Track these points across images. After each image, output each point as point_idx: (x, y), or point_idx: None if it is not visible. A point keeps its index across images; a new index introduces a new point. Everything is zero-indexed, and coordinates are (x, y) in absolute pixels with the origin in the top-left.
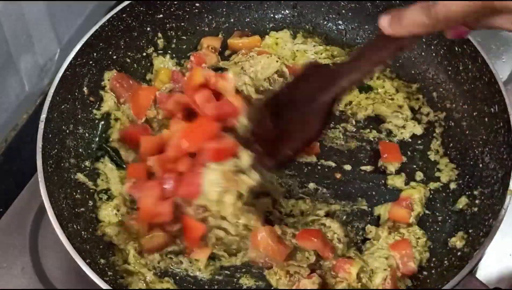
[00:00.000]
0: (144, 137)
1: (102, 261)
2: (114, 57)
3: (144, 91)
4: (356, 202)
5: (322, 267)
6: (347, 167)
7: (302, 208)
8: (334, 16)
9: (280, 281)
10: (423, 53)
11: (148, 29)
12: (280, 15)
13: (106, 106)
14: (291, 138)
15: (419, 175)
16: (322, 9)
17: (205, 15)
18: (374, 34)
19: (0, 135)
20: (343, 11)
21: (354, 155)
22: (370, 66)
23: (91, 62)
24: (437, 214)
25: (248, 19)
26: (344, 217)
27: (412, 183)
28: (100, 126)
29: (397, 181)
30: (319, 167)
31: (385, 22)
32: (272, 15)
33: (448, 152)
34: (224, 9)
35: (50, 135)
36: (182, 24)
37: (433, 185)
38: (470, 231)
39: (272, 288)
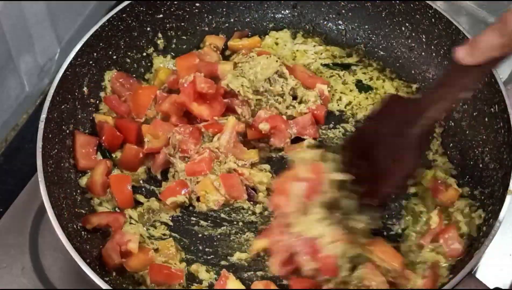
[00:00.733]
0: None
1: (102, 261)
2: (114, 57)
3: (144, 90)
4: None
5: None
6: None
7: None
8: (334, 16)
9: None
10: (423, 53)
11: (148, 29)
12: (280, 15)
13: (105, 109)
14: (389, 176)
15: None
16: (322, 9)
17: (205, 15)
18: (374, 34)
19: (0, 135)
20: (343, 11)
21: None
22: (453, 95)
23: (91, 62)
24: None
25: (248, 19)
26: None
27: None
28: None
29: None
30: None
31: (461, 53)
32: (272, 15)
33: (448, 152)
34: (224, 9)
35: (50, 135)
36: (182, 24)
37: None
38: (470, 230)
39: None
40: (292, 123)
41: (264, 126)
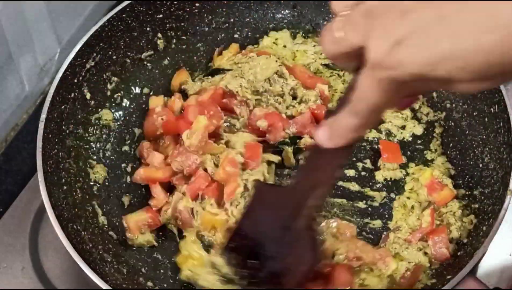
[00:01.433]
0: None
1: (102, 261)
2: (114, 57)
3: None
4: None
5: None
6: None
7: None
8: (334, 16)
9: None
10: None
11: (148, 29)
12: (280, 15)
13: (104, 115)
14: (291, 274)
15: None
16: (322, 9)
17: (205, 15)
18: None
19: (0, 135)
20: None
21: (354, 155)
22: (330, 176)
23: (91, 62)
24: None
25: (248, 19)
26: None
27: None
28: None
29: None
30: None
31: (322, 138)
32: (272, 15)
33: (448, 152)
34: (224, 9)
35: (50, 135)
36: (182, 24)
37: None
38: (470, 230)
39: None
40: (291, 122)
41: (262, 123)
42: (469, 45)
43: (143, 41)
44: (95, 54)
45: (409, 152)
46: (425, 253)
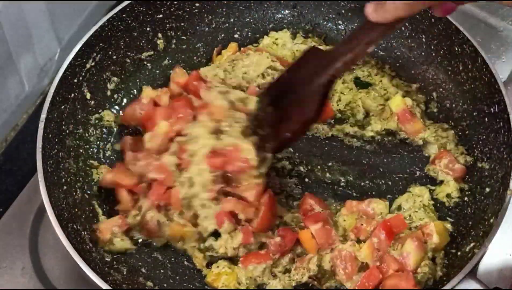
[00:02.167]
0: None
1: (102, 261)
2: (114, 57)
3: None
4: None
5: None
6: None
7: None
8: (334, 16)
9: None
10: (423, 53)
11: (148, 29)
12: (280, 15)
13: (105, 115)
14: (289, 121)
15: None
16: (322, 9)
17: (205, 15)
18: None
19: (0, 135)
20: (343, 11)
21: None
22: (361, 48)
23: (91, 62)
24: (437, 214)
25: (248, 19)
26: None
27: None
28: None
29: None
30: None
31: (370, 10)
32: (272, 15)
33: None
34: (224, 9)
35: (50, 135)
36: (182, 24)
37: (433, 185)
38: (470, 231)
39: None
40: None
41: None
42: None
43: (143, 41)
44: (95, 54)
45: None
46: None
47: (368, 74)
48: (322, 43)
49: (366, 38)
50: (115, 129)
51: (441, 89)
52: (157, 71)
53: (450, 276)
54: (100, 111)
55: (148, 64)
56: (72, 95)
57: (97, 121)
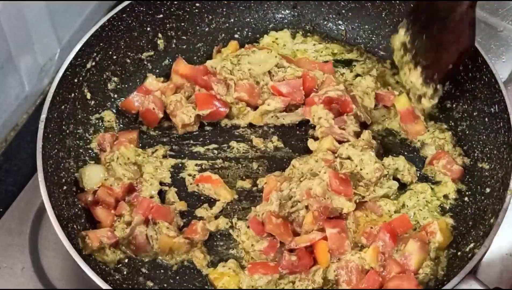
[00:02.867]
0: None
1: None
2: (114, 57)
3: None
4: None
5: None
6: None
7: None
8: (334, 16)
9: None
10: None
11: (148, 29)
12: (280, 15)
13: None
14: (447, 51)
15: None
16: (322, 9)
17: (205, 15)
18: (374, 34)
19: (0, 135)
20: (343, 11)
21: None
22: None
23: (91, 62)
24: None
25: (248, 19)
26: None
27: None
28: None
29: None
30: None
31: None
32: (272, 15)
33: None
34: (224, 9)
35: (50, 135)
36: (182, 24)
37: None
38: (470, 231)
39: None
40: (284, 83)
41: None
42: None
43: (143, 41)
44: (95, 54)
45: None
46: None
47: (368, 70)
48: (322, 41)
49: None
50: (116, 129)
51: None
52: (157, 71)
53: (450, 276)
54: (100, 111)
55: (148, 64)
56: (72, 95)
57: (97, 121)
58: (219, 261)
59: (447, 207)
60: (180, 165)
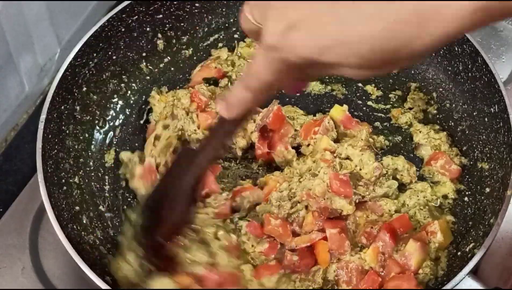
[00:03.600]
0: None
1: (102, 261)
2: (114, 57)
3: None
4: None
5: None
6: None
7: None
8: None
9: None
10: None
11: (148, 29)
12: None
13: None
14: (161, 225)
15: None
16: None
17: (205, 15)
18: None
19: (0, 135)
20: None
21: None
22: (219, 142)
23: (91, 62)
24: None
25: None
26: None
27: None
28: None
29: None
30: None
31: (220, 108)
32: None
33: (448, 152)
34: (224, 9)
35: (50, 136)
36: (182, 24)
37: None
38: (470, 231)
39: None
40: None
41: None
42: (356, 32)
43: (143, 41)
44: (95, 54)
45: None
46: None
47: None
48: None
49: (221, 133)
50: (117, 130)
51: (441, 89)
52: (157, 71)
53: (450, 276)
54: (100, 111)
55: (148, 64)
56: (72, 95)
57: (97, 122)
58: None
59: (447, 207)
60: None
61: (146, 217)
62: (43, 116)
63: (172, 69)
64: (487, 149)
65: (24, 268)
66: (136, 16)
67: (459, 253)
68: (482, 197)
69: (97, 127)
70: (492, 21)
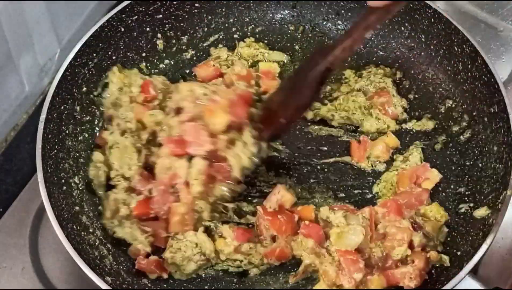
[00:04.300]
0: None
1: (102, 261)
2: (114, 57)
3: None
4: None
5: None
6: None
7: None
8: (333, 16)
9: None
10: (422, 53)
11: (148, 29)
12: (280, 15)
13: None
14: (285, 108)
15: None
16: (322, 9)
17: (205, 15)
18: (373, 34)
19: (0, 135)
20: (343, 11)
21: None
22: (359, 32)
23: (90, 63)
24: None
25: (248, 19)
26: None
27: None
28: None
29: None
30: None
31: None
32: (271, 15)
33: (448, 152)
34: (223, 9)
35: (49, 136)
36: (182, 24)
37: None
38: (470, 231)
39: None
40: None
41: None
42: None
43: (143, 41)
44: (95, 54)
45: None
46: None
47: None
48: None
49: (363, 23)
50: None
51: (441, 89)
52: (157, 71)
53: (450, 276)
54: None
55: (148, 64)
56: (72, 95)
57: (97, 122)
58: None
59: (447, 207)
60: None
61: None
62: (43, 116)
63: (172, 69)
64: (486, 148)
65: (24, 268)
66: (136, 16)
67: (459, 253)
68: (482, 197)
69: (97, 128)
70: None
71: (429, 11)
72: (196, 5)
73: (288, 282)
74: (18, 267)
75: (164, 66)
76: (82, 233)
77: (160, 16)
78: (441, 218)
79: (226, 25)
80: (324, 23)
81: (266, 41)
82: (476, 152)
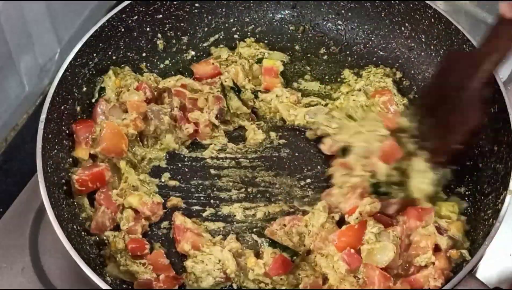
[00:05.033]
0: None
1: (102, 261)
2: (114, 57)
3: None
4: None
5: None
6: None
7: None
8: (333, 16)
9: None
10: (422, 53)
11: (148, 29)
12: (280, 15)
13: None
14: (453, 131)
15: None
16: (322, 9)
17: (205, 15)
18: (374, 34)
19: (0, 135)
20: (343, 11)
21: None
22: (506, 45)
23: (90, 63)
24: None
25: (248, 19)
26: None
27: None
28: None
29: None
30: None
31: (504, 8)
32: (271, 15)
33: None
34: (223, 9)
35: (49, 136)
36: (182, 24)
37: None
38: (470, 231)
39: None
40: None
41: None
42: None
43: (142, 41)
44: (95, 54)
45: None
46: None
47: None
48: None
49: (507, 35)
50: None
51: None
52: (157, 71)
53: (450, 276)
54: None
55: (148, 64)
56: (72, 95)
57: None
58: None
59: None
60: None
61: (421, 116)
62: (43, 116)
63: (172, 69)
64: (487, 149)
65: (24, 268)
66: (136, 16)
67: (459, 253)
68: (482, 197)
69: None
70: None
71: (429, 11)
72: (196, 5)
73: None
74: (18, 267)
75: (164, 66)
76: (82, 233)
77: (160, 16)
78: (455, 212)
79: (226, 25)
80: (324, 23)
81: (266, 41)
82: (476, 152)
